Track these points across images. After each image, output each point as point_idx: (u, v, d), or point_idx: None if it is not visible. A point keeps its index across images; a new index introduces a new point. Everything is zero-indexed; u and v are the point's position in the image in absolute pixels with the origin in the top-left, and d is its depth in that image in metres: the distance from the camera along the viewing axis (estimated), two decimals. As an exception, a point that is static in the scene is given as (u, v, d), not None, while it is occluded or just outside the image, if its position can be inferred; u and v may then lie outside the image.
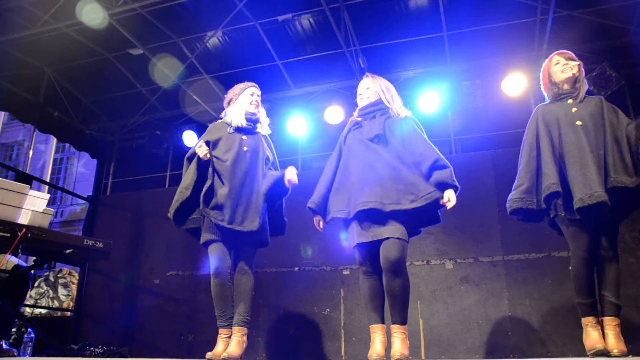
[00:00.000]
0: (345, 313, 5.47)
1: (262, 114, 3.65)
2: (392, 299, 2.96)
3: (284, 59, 6.31)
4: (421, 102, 5.81)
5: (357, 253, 3.09)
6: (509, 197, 3.09)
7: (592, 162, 2.83)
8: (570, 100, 3.11)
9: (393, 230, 2.92)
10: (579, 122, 2.99)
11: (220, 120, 3.63)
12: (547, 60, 3.27)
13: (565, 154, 2.94)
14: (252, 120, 3.53)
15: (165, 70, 6.33)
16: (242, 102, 3.55)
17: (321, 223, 3.29)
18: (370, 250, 3.02)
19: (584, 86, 3.14)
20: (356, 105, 3.43)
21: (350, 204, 3.05)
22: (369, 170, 3.05)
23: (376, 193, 2.95)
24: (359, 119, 3.32)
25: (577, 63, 3.15)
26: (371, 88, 3.33)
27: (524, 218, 3.18)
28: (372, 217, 2.96)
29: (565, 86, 3.15)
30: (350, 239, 3.13)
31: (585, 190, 2.75)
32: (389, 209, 2.90)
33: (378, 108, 3.26)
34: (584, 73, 3.19)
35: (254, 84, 3.65)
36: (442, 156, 3.05)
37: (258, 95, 3.60)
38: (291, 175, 3.38)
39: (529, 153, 3.10)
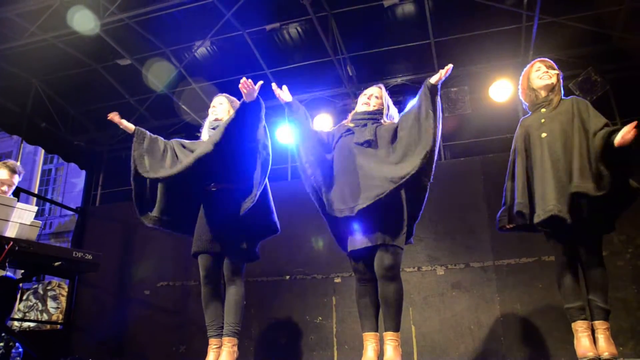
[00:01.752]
0: (338, 321, 5.45)
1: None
2: (387, 305, 2.96)
3: (272, 68, 6.31)
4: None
5: (350, 259, 3.08)
6: (498, 214, 3.23)
7: (550, 175, 2.87)
8: (543, 110, 3.14)
9: (387, 236, 2.93)
10: (543, 134, 3.02)
11: None
12: (528, 65, 3.32)
13: (533, 169, 3.02)
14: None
15: (154, 80, 6.32)
16: (208, 116, 3.61)
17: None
18: (364, 256, 3.02)
19: (558, 96, 3.15)
20: (345, 112, 3.45)
21: (341, 204, 3.03)
22: (357, 174, 3.05)
23: (362, 196, 2.95)
24: (351, 124, 3.33)
25: (556, 72, 3.20)
26: (380, 99, 3.36)
27: (516, 229, 3.23)
28: (363, 221, 2.96)
29: (543, 93, 3.19)
30: (343, 243, 3.13)
31: (542, 205, 2.83)
32: (361, 207, 2.90)
33: (372, 117, 3.29)
34: (561, 83, 3.23)
35: (217, 94, 3.68)
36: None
37: (220, 103, 3.59)
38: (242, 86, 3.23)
39: (509, 169, 3.23)
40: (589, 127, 2.94)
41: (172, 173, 3.22)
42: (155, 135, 3.55)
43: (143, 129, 3.53)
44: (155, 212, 3.41)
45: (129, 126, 3.50)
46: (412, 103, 3.15)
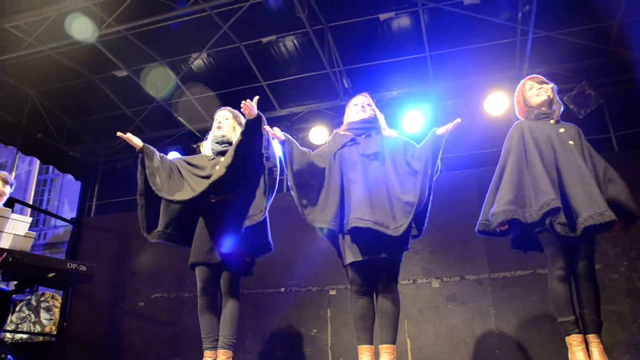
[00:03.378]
0: (333, 334, 5.43)
1: (237, 132, 3.55)
2: (385, 318, 2.98)
3: (269, 80, 6.34)
4: (405, 122, 5.86)
5: (350, 271, 3.06)
6: (491, 210, 2.99)
7: (593, 180, 2.86)
8: (552, 121, 3.17)
9: (390, 249, 2.96)
10: (571, 142, 3.03)
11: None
12: (519, 85, 3.33)
13: (564, 172, 2.94)
14: (224, 142, 3.51)
15: (150, 92, 6.33)
16: (212, 129, 3.60)
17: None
18: (364, 269, 3.02)
19: (560, 107, 3.21)
20: (341, 124, 3.45)
21: (345, 217, 3.01)
22: (367, 187, 3.04)
23: (372, 211, 2.94)
24: (349, 133, 3.33)
25: (550, 86, 3.22)
26: (371, 106, 3.41)
27: (497, 232, 3.13)
28: (368, 234, 2.94)
29: (543, 108, 3.20)
30: (343, 255, 3.09)
31: (594, 208, 2.75)
32: (387, 231, 2.91)
33: (373, 126, 3.31)
34: (557, 95, 3.26)
35: (221, 108, 3.67)
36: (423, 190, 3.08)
37: (225, 118, 3.57)
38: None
39: (515, 166, 3.05)
40: (592, 156, 3.07)
41: (187, 198, 3.21)
42: (161, 154, 3.50)
43: (150, 146, 3.46)
44: (160, 227, 3.39)
45: (138, 143, 3.38)
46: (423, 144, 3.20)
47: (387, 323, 2.98)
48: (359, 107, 3.37)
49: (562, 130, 3.10)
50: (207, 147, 3.58)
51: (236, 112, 3.63)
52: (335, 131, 3.47)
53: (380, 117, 3.42)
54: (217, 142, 3.50)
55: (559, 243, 2.91)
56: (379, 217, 2.93)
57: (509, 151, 3.15)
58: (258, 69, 6.16)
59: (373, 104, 3.45)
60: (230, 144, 3.50)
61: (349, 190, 3.09)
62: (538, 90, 3.21)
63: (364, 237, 2.95)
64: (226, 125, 3.54)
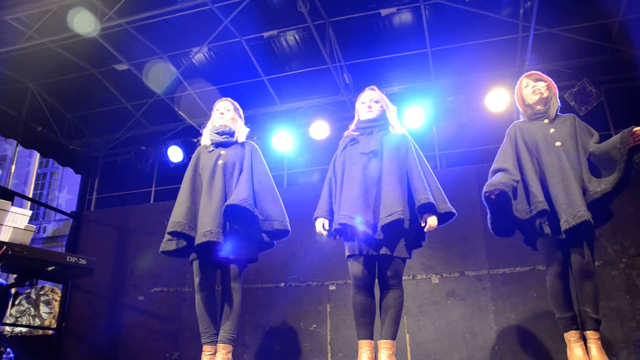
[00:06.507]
0: (332, 329, 5.44)
1: (238, 123, 3.62)
2: (387, 313, 2.99)
3: (270, 75, 6.33)
4: (406, 118, 5.85)
5: (350, 265, 3.07)
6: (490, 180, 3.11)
7: (574, 181, 2.89)
8: (546, 121, 3.18)
9: (392, 245, 2.96)
10: (558, 143, 3.05)
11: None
12: (518, 83, 3.34)
13: (547, 175, 2.99)
14: (225, 133, 3.52)
15: (151, 86, 6.32)
16: (212, 119, 3.61)
17: (325, 224, 3.18)
18: (364, 263, 3.02)
19: (555, 104, 3.20)
20: (342, 119, 3.45)
21: (346, 216, 3.00)
22: (361, 185, 3.05)
23: (362, 210, 2.95)
24: (356, 133, 3.32)
25: (545, 83, 3.22)
26: (380, 102, 3.34)
27: (500, 231, 3.19)
28: (362, 232, 2.95)
29: (538, 107, 3.22)
30: (345, 247, 3.12)
31: (570, 211, 2.80)
32: (384, 222, 2.90)
33: (377, 124, 3.29)
34: (555, 91, 3.25)
35: (222, 98, 3.69)
36: (430, 185, 3.13)
37: (227, 109, 3.59)
38: None
39: (508, 155, 3.17)
40: (592, 139, 3.04)
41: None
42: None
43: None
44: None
45: None
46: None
47: (387, 319, 2.98)
48: (365, 106, 3.33)
49: (552, 130, 3.11)
50: (205, 137, 3.59)
51: (236, 104, 3.65)
52: (345, 133, 3.46)
53: (391, 112, 3.36)
54: (217, 133, 3.51)
55: (552, 242, 2.94)
56: (368, 217, 2.96)
57: (507, 145, 3.24)
58: (259, 63, 6.15)
59: (383, 98, 3.37)
60: (230, 134, 3.52)
61: (346, 188, 3.11)
62: (532, 88, 3.23)
63: (359, 234, 2.96)
64: (228, 116, 3.57)
